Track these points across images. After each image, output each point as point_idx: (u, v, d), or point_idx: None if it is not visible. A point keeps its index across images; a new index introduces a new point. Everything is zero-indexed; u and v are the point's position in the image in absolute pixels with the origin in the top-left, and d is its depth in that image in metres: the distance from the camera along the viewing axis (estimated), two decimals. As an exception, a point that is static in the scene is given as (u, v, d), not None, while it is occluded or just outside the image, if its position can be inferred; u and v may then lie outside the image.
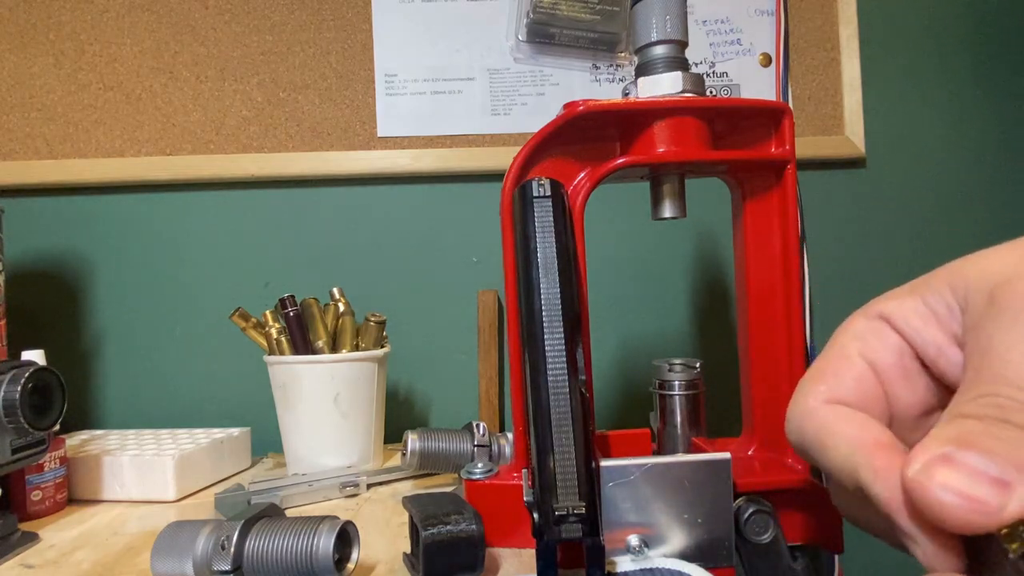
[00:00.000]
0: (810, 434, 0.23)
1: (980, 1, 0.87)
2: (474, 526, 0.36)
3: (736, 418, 0.50)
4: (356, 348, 0.64)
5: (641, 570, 0.37)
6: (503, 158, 0.79)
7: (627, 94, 0.46)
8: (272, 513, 0.40)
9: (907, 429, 0.24)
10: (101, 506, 0.57)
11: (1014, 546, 0.18)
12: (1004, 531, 0.18)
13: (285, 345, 0.63)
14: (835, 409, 0.23)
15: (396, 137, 0.81)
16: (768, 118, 0.46)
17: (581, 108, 0.43)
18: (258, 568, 0.36)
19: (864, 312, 0.25)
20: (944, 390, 0.24)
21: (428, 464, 0.55)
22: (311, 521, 0.37)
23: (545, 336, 0.36)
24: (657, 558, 0.38)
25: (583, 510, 0.31)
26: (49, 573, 0.43)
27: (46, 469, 0.54)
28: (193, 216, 0.82)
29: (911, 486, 0.18)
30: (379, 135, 0.81)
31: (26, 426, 0.47)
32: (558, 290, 0.37)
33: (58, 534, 0.50)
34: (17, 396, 0.46)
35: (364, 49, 0.81)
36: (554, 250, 0.39)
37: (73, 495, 0.58)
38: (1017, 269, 0.21)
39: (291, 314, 0.63)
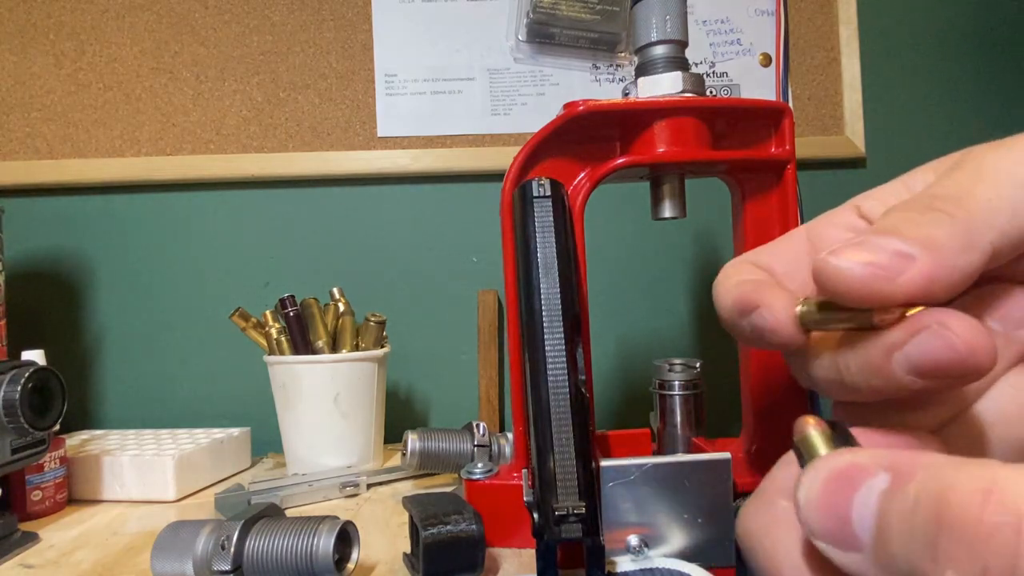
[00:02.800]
0: (716, 286, 0.25)
1: (980, 1, 0.87)
2: (474, 526, 0.37)
3: (736, 418, 0.50)
4: (356, 348, 0.64)
5: (641, 570, 0.37)
6: (503, 158, 0.79)
7: (627, 94, 0.46)
8: (272, 513, 0.40)
9: None
10: (101, 506, 0.57)
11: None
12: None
13: (285, 345, 0.63)
14: (741, 266, 0.25)
15: (396, 137, 0.81)
16: (768, 118, 0.46)
17: (581, 108, 0.43)
18: (258, 568, 0.36)
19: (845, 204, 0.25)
20: None
21: (428, 464, 0.55)
22: (311, 521, 0.37)
23: (545, 336, 0.36)
24: (657, 558, 0.38)
25: (583, 510, 0.31)
26: (49, 573, 0.43)
27: (46, 469, 0.54)
28: (193, 216, 0.82)
29: (817, 266, 0.19)
30: (379, 135, 0.81)
31: (26, 426, 0.47)
32: (558, 290, 0.37)
33: (58, 534, 0.50)
34: (17, 396, 0.46)
35: (364, 49, 0.81)
36: (554, 250, 0.39)
37: (73, 495, 0.58)
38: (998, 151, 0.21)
39: (291, 314, 0.63)
